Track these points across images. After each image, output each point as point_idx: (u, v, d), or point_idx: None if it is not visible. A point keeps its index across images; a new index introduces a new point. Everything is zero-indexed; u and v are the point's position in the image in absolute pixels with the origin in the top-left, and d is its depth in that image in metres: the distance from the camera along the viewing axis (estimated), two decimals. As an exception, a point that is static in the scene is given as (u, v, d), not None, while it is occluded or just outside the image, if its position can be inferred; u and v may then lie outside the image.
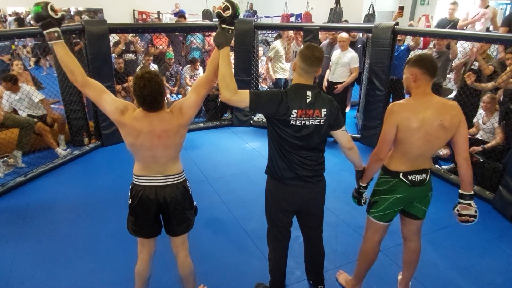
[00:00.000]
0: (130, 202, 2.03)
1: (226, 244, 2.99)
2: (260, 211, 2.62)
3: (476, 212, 2.08)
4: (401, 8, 5.55)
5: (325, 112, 1.98)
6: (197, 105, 1.98)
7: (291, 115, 1.92)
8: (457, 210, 2.11)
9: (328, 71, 5.22)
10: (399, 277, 2.57)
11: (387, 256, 2.86)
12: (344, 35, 4.90)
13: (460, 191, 2.12)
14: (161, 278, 2.61)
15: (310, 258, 2.44)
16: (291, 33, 5.74)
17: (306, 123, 1.95)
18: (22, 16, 14.25)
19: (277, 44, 5.90)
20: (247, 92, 1.95)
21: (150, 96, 1.79)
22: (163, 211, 2.03)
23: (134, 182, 2.02)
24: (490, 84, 4.26)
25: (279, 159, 2.04)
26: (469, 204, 2.08)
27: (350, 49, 4.94)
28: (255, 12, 15.11)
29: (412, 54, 5.14)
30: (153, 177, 1.97)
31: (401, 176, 2.07)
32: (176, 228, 2.08)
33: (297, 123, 1.94)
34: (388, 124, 2.00)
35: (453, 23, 5.92)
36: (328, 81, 5.15)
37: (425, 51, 5.83)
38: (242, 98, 1.93)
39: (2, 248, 2.91)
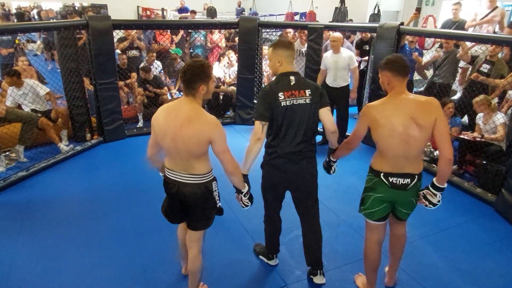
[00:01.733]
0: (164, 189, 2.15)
1: (227, 242, 2.99)
2: (262, 210, 2.61)
3: (439, 202, 2.14)
4: (418, 10, 5.53)
5: (309, 92, 2.19)
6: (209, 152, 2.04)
7: (279, 98, 2.14)
8: (423, 194, 2.15)
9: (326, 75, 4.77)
10: (386, 269, 2.58)
11: (387, 257, 2.84)
12: (337, 34, 4.55)
13: (434, 181, 2.11)
14: (160, 275, 2.61)
15: (307, 242, 2.52)
16: (290, 32, 5.69)
17: (295, 103, 2.16)
18: (22, 11, 14.29)
19: None
20: (256, 125, 2.16)
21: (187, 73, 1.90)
22: (184, 205, 2.11)
23: (165, 172, 2.11)
24: (498, 81, 4.25)
25: (274, 140, 2.24)
26: (435, 194, 2.11)
27: (342, 49, 4.62)
28: (242, 10, 15.12)
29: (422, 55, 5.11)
30: (177, 172, 2.03)
31: (381, 176, 2.10)
32: (194, 224, 2.14)
33: (287, 104, 2.15)
34: (360, 123, 2.15)
35: (458, 24, 5.88)
36: (329, 87, 4.63)
37: (430, 51, 5.79)
38: (258, 132, 2.15)
39: (3, 243, 2.92)
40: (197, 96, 1.95)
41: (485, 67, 4.71)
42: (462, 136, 4.21)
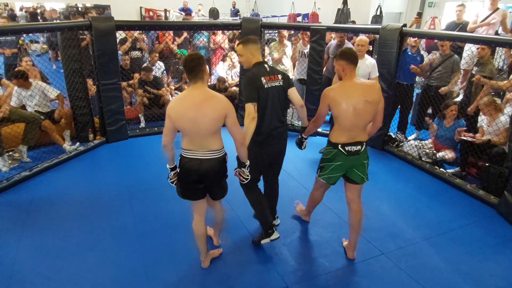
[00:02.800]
0: (178, 171, 2.40)
1: (228, 243, 2.98)
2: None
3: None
4: (419, 14, 5.51)
5: (281, 77, 2.65)
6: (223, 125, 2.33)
7: (262, 81, 2.55)
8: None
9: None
10: (345, 243, 2.96)
11: (389, 258, 2.85)
12: (364, 38, 4.25)
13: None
14: (162, 275, 2.62)
15: (269, 195, 2.99)
16: (285, 32, 5.64)
17: (273, 85, 2.59)
18: (35, 11, 14.37)
19: (273, 46, 5.79)
20: (249, 107, 2.47)
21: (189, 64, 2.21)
22: (205, 180, 2.37)
23: (184, 154, 2.34)
24: (501, 83, 4.25)
25: (260, 121, 2.56)
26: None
27: (367, 55, 4.30)
28: (237, 11, 15.14)
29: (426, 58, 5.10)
30: (198, 151, 2.31)
31: (339, 147, 2.58)
32: (216, 194, 2.53)
33: (268, 86, 2.57)
34: (322, 104, 2.60)
35: (462, 26, 5.87)
36: None
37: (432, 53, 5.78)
38: (252, 112, 2.46)
39: (5, 243, 2.93)
40: (204, 80, 2.25)
41: (475, 70, 4.76)
42: (464, 138, 4.20)
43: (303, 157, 4.56)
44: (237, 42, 3.00)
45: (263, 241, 2.84)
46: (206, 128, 2.23)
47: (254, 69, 2.59)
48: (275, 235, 2.81)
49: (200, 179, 2.36)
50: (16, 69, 4.77)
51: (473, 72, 4.95)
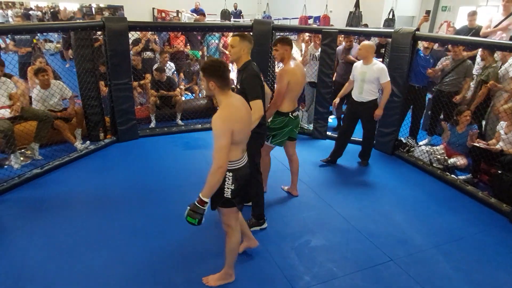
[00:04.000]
0: (233, 188, 2.26)
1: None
2: (272, 210, 2.61)
3: None
4: (428, 13, 5.47)
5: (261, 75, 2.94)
6: None
7: (261, 79, 2.83)
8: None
9: (353, 86, 4.32)
10: (286, 187, 3.82)
11: (398, 265, 2.81)
12: (365, 42, 4.23)
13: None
14: (170, 276, 2.63)
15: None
16: (306, 36, 5.63)
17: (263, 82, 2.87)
18: (56, 10, 14.62)
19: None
20: (258, 103, 2.67)
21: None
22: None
23: (235, 167, 2.24)
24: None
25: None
26: None
27: (375, 60, 4.21)
28: (240, 12, 15.14)
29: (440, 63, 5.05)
30: (243, 157, 2.30)
31: (290, 115, 3.29)
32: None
33: (263, 83, 2.86)
34: (282, 83, 3.17)
35: (474, 31, 5.79)
36: (354, 101, 4.27)
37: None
38: (261, 109, 2.69)
39: (16, 240, 2.97)
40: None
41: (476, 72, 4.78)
42: (476, 144, 4.13)
43: (314, 161, 4.55)
44: (232, 34, 3.16)
45: (252, 229, 3.06)
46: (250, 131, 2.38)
47: (254, 67, 2.78)
48: (265, 225, 3.18)
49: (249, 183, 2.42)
50: (35, 67, 4.85)
51: (476, 74, 4.95)
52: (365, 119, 4.32)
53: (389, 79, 4.11)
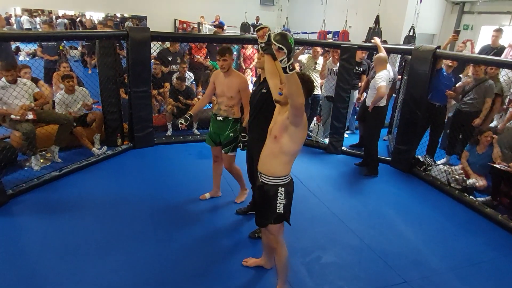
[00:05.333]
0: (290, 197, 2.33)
1: (232, 246, 2.96)
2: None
3: None
4: (457, 32, 5.40)
5: None
6: None
7: None
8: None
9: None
10: (207, 194, 3.76)
11: None
12: (377, 55, 4.54)
13: None
14: (179, 285, 2.62)
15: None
16: (318, 49, 5.58)
17: None
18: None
19: (302, 58, 5.75)
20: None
21: None
22: None
23: (288, 181, 2.30)
24: None
25: None
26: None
27: (384, 70, 4.40)
28: (260, 25, 15.25)
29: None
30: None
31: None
32: None
33: None
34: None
35: (497, 50, 5.69)
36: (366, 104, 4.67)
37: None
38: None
39: (31, 240, 3.03)
40: None
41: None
42: (497, 166, 4.01)
43: (327, 175, 4.51)
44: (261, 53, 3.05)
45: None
46: None
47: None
48: None
49: None
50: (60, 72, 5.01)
51: None
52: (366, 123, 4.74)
53: (383, 83, 4.25)
